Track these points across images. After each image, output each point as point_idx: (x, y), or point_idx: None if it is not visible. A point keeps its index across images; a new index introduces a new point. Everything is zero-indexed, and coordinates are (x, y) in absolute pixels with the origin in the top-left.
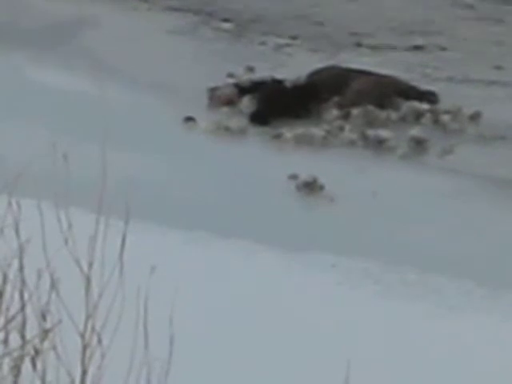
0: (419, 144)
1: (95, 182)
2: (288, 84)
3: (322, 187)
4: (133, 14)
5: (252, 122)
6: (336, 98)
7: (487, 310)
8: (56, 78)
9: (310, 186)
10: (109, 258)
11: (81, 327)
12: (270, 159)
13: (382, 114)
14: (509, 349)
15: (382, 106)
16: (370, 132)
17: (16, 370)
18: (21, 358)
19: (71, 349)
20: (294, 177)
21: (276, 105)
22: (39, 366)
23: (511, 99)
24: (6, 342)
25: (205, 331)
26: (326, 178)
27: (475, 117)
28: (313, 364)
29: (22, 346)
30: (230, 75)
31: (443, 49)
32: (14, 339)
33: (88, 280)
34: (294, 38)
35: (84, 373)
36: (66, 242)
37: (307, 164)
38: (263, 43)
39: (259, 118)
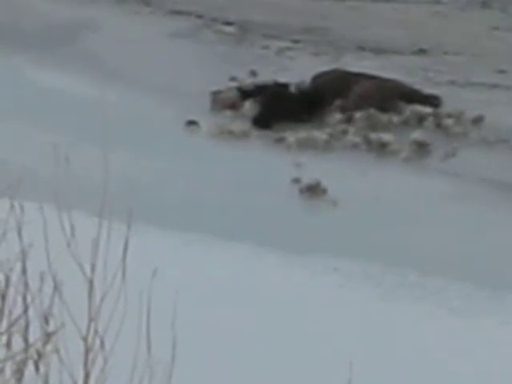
0: (422, 147)
1: (97, 185)
2: (291, 88)
3: (324, 190)
4: (135, 17)
5: (255, 126)
6: (339, 102)
7: (487, 312)
8: (57, 80)
9: (313, 190)
10: (111, 261)
11: (83, 330)
12: (273, 163)
13: (385, 118)
14: (509, 350)
15: (384, 109)
16: (373, 135)
17: (19, 373)
18: (24, 362)
19: (74, 352)
20: (296, 180)
21: (279, 109)
22: (42, 369)
23: None
24: (8, 345)
25: (207, 334)
26: (328, 182)
27: (478, 120)
28: (315, 365)
29: (25, 350)
30: (233, 79)
31: (446, 52)
32: (17, 342)
33: (91, 283)
34: (296, 41)
35: (87, 376)
36: (69, 245)
37: (310, 167)
38: (266, 47)
39: (262, 121)
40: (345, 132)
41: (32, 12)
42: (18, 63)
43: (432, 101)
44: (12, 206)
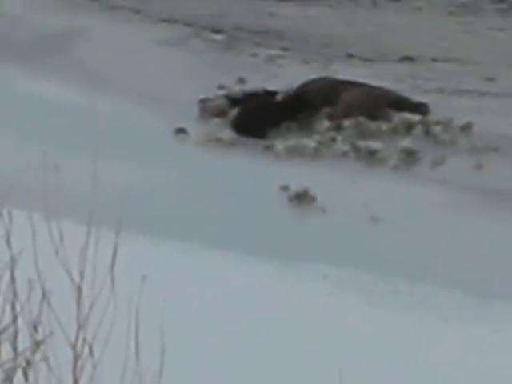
0: (410, 155)
1: (86, 193)
2: (280, 95)
3: (313, 198)
4: (125, 26)
5: (241, 134)
6: (327, 110)
7: (476, 320)
8: (48, 89)
9: (302, 197)
10: (100, 269)
11: (72, 338)
12: (262, 170)
13: (374, 126)
14: (498, 359)
15: (373, 117)
16: (362, 143)
17: (8, 381)
18: (13, 370)
19: (63, 360)
20: (285, 188)
21: (267, 116)
22: (31, 377)
23: (503, 110)
24: None
25: (196, 342)
26: (317, 189)
27: (466, 128)
28: (305, 374)
29: (14, 358)
30: (221, 87)
31: (434, 60)
32: (6, 351)
33: (79, 291)
34: (285, 49)
35: None
36: (58, 253)
37: (299, 175)
38: (254, 54)
39: (249, 129)
40: (333, 140)
41: (24, 22)
42: (9, 73)
43: (420, 108)
44: (0, 214)
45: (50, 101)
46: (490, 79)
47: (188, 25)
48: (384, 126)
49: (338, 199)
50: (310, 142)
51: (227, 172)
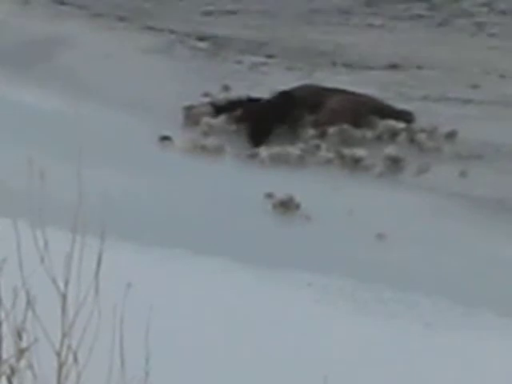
0: (395, 163)
1: (71, 200)
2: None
3: (298, 206)
4: (109, 33)
5: (255, 145)
6: (312, 117)
7: (462, 328)
8: (32, 96)
9: (286, 205)
10: (85, 276)
11: (57, 346)
12: (247, 178)
13: (358, 133)
14: (483, 367)
15: (357, 124)
16: (346, 151)
17: None
18: None
19: (47, 368)
20: (270, 195)
21: (265, 124)
22: None
23: (487, 118)
24: None
25: (181, 348)
26: (302, 197)
27: (451, 135)
28: (290, 380)
29: None
30: (206, 94)
31: (419, 67)
32: None
33: (64, 298)
34: (269, 56)
35: None
36: (42, 260)
37: (283, 183)
38: (239, 62)
39: (258, 139)
40: (318, 147)
41: (7, 28)
42: None
43: (405, 116)
44: None
45: (34, 107)
46: (475, 86)
47: (172, 32)
48: (369, 134)
49: (322, 207)
50: (294, 150)
51: (212, 179)
